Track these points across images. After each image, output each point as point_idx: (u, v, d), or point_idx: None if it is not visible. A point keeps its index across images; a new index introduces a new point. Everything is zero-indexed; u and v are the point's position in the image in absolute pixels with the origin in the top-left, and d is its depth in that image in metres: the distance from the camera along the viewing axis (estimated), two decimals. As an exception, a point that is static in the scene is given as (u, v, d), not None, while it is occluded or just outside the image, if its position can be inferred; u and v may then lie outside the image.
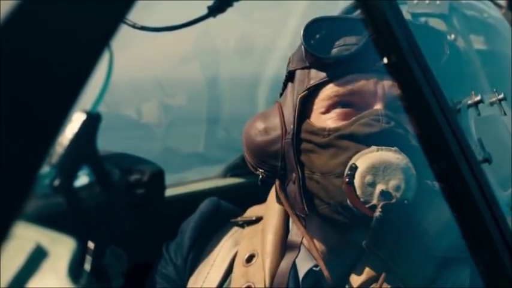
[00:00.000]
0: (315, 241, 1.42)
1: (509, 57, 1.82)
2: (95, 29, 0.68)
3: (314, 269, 1.42)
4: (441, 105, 0.89)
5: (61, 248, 0.75)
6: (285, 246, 1.46)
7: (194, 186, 2.09)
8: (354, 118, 1.37)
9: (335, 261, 1.41)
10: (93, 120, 0.86)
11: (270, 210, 1.52)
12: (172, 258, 1.57)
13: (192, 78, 3.34)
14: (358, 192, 1.31)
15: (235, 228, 1.57)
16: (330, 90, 1.41)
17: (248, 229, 1.55)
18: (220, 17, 1.36)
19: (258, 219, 1.54)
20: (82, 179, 0.89)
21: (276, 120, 1.44)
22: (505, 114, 1.50)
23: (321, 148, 1.38)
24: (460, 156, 0.90)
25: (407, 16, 1.85)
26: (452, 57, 1.44)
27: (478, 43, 1.88)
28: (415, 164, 1.32)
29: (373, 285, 1.37)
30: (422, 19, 1.86)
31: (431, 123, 0.89)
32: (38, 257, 0.73)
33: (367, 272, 1.38)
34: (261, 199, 1.57)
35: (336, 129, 1.37)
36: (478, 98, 1.45)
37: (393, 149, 1.33)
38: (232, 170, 2.16)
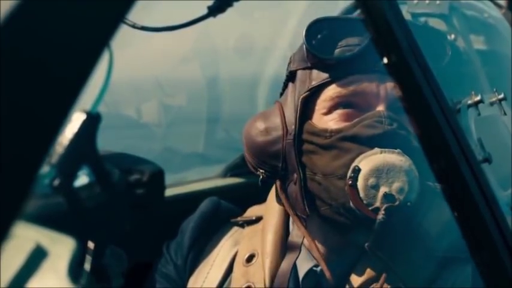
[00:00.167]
0: (316, 241, 1.42)
1: (509, 57, 1.82)
2: (94, 29, 0.68)
3: (314, 269, 1.42)
4: (441, 105, 0.89)
5: (61, 248, 0.75)
6: (285, 246, 1.46)
7: (194, 186, 2.09)
8: (356, 120, 1.37)
9: (336, 261, 1.41)
10: (93, 120, 0.86)
11: (270, 210, 1.52)
12: (172, 258, 1.57)
13: (192, 78, 3.33)
14: (362, 194, 1.31)
15: (235, 228, 1.57)
16: (331, 91, 1.41)
17: (248, 229, 1.55)
18: (220, 17, 1.36)
19: (258, 219, 1.54)
20: (82, 179, 0.89)
21: (276, 121, 1.44)
22: (505, 114, 1.50)
23: (323, 149, 1.37)
24: (460, 156, 0.90)
25: (407, 16, 1.85)
26: (452, 57, 1.44)
27: (478, 43, 1.88)
28: (417, 165, 1.32)
29: (374, 285, 1.37)
30: (422, 19, 1.86)
31: (431, 123, 0.89)
32: (38, 257, 0.73)
33: (368, 272, 1.38)
34: (261, 199, 1.57)
35: (338, 131, 1.37)
36: (478, 98, 1.45)
37: (396, 151, 1.33)
38: (232, 170, 2.16)
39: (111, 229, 0.94)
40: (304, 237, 1.42)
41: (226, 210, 1.60)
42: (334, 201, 1.35)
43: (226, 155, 2.41)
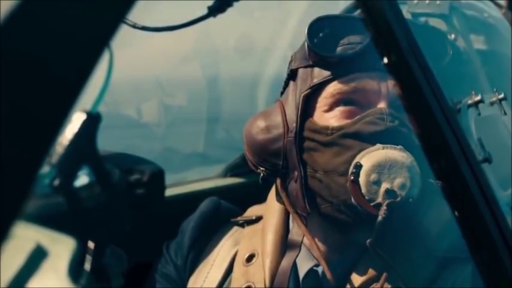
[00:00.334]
0: (316, 240, 1.42)
1: (509, 57, 1.82)
2: (95, 29, 0.68)
3: (315, 268, 1.42)
4: (441, 105, 0.89)
5: (61, 248, 0.75)
6: (285, 245, 1.46)
7: (194, 186, 2.09)
8: (358, 117, 1.37)
9: (336, 260, 1.41)
10: (93, 120, 0.86)
11: (270, 209, 1.52)
12: (172, 258, 1.57)
13: (192, 78, 3.34)
14: (363, 190, 1.31)
15: (235, 228, 1.57)
16: (333, 88, 1.41)
17: (248, 229, 1.55)
18: (220, 17, 1.36)
19: (258, 219, 1.54)
20: (82, 179, 0.89)
21: (277, 119, 1.44)
22: (505, 114, 1.50)
23: (324, 146, 1.38)
24: (460, 156, 0.90)
25: (407, 16, 1.85)
26: (452, 57, 1.44)
27: (478, 43, 1.88)
28: (418, 162, 1.32)
29: (374, 284, 1.37)
30: (422, 19, 1.86)
31: (431, 123, 0.89)
32: (38, 256, 0.73)
33: (369, 271, 1.38)
34: (261, 199, 1.57)
35: (340, 128, 1.37)
36: (478, 97, 1.45)
37: (398, 147, 1.33)
38: (232, 170, 2.16)
39: (111, 229, 0.94)
40: (304, 235, 1.42)
41: (226, 210, 1.60)
42: (335, 199, 1.35)
43: (227, 155, 2.41)
